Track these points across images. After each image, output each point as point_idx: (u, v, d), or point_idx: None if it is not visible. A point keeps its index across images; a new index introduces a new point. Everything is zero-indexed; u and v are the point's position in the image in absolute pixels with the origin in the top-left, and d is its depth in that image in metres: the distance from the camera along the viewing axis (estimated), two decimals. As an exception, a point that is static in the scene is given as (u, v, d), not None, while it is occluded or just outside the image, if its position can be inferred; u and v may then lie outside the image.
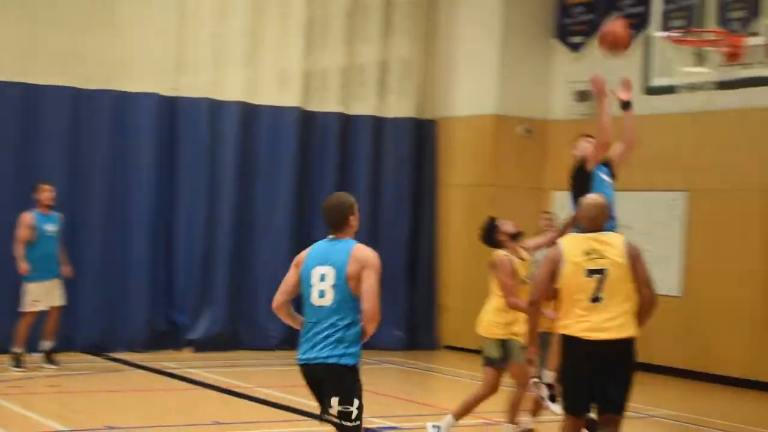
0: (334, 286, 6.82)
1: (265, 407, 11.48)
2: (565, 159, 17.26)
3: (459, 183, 17.88)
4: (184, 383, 13.18)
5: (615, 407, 7.47)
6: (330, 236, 7.03)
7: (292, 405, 11.69)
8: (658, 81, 10.57)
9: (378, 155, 17.72)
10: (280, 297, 7.21)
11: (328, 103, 17.39)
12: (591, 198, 7.64)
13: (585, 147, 9.47)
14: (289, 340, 16.58)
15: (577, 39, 17.32)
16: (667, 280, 15.29)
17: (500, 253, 9.79)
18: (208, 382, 13.16)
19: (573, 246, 7.47)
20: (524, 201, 17.47)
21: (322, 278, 6.88)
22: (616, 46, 8.95)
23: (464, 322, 17.56)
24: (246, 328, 16.45)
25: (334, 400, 6.70)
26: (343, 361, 6.73)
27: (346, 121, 17.51)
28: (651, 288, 7.41)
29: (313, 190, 17.17)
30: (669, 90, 10.49)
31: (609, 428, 7.48)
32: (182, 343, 16.11)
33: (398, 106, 17.81)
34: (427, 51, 17.98)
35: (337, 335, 6.77)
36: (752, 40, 9.82)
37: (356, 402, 6.73)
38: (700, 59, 10.29)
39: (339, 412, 6.71)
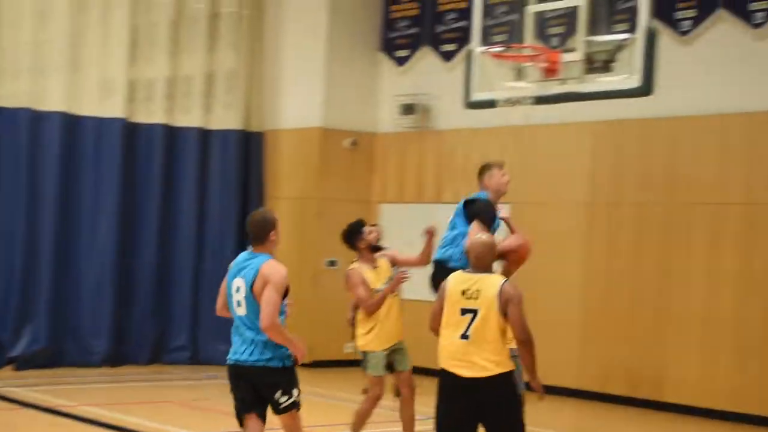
0: (245, 298, 7.58)
1: (93, 427, 11.27)
2: (391, 171, 17.58)
3: (286, 196, 17.90)
4: (5, 403, 12.83)
5: None
6: (250, 249, 7.72)
7: (120, 424, 11.52)
8: (479, 95, 10.77)
9: (204, 167, 17.59)
10: (219, 301, 7.96)
11: (153, 114, 17.18)
12: (480, 237, 7.84)
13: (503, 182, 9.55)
14: (113, 356, 16.35)
15: (402, 53, 17.56)
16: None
17: (351, 267, 10.06)
18: (31, 402, 12.85)
19: (455, 283, 7.68)
20: (351, 213, 17.49)
21: (237, 290, 7.64)
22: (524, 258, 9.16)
23: (295, 332, 17.56)
24: (69, 344, 16.12)
25: (277, 394, 7.60)
26: (271, 364, 7.59)
27: (172, 133, 17.32)
28: (523, 330, 7.52)
29: (139, 203, 16.97)
30: (490, 104, 10.70)
31: None
32: (2, 361, 15.69)
33: (225, 118, 17.71)
34: (254, 63, 17.95)
35: (258, 340, 7.57)
36: (569, 56, 10.09)
37: (295, 391, 7.68)
38: (520, 74, 10.53)
39: (281, 401, 7.63)
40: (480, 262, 7.65)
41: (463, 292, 7.57)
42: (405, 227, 17.10)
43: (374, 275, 10.06)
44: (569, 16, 10.42)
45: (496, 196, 9.47)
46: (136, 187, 17.01)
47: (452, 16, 16.87)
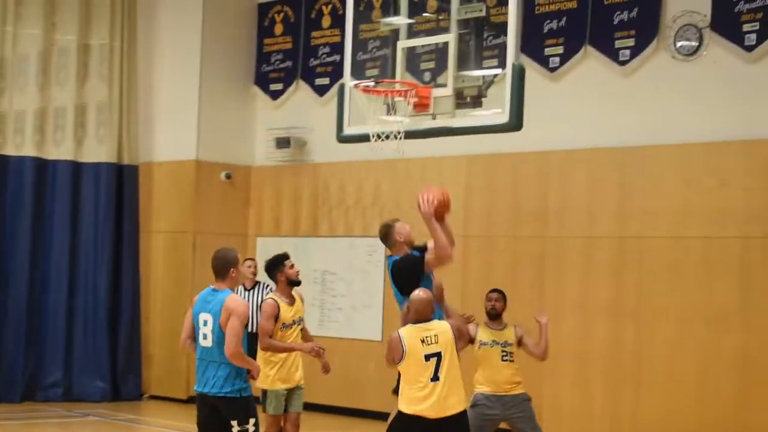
0: (212, 331, 8.26)
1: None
2: (267, 204, 17.53)
3: (161, 229, 17.73)
4: None
5: None
6: (213, 285, 8.46)
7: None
8: (351, 129, 10.77)
9: (76, 201, 17.32)
10: (183, 335, 8.66)
11: (23, 147, 16.91)
12: (419, 295, 8.43)
13: (406, 233, 9.53)
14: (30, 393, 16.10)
15: (276, 86, 17.56)
16: (369, 327, 15.70)
17: (268, 297, 10.25)
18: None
19: (411, 336, 8.28)
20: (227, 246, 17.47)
21: (205, 323, 8.33)
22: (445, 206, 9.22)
23: (169, 370, 17.39)
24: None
25: (233, 423, 8.21)
26: (231, 395, 8.24)
27: (42, 166, 17.04)
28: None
29: (8, 237, 16.66)
30: (363, 138, 10.72)
31: None
32: None
33: (97, 151, 17.48)
34: (127, 95, 17.73)
35: (221, 372, 8.25)
36: (439, 91, 10.16)
37: (252, 420, 8.30)
38: (391, 108, 10.57)
39: (237, 430, 8.23)
40: (422, 315, 8.35)
41: (422, 341, 8.23)
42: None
43: (290, 310, 10.10)
44: (439, 51, 10.50)
45: (409, 244, 9.50)
46: (6, 220, 16.69)
47: (325, 50, 16.94)
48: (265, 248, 17.39)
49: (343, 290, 16.40)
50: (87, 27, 17.42)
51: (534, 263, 14.53)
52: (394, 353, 8.30)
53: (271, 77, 17.67)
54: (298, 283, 10.27)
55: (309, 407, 14.75)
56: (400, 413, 8.32)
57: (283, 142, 17.09)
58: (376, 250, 15.71)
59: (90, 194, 17.45)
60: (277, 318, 10.01)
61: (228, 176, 17.53)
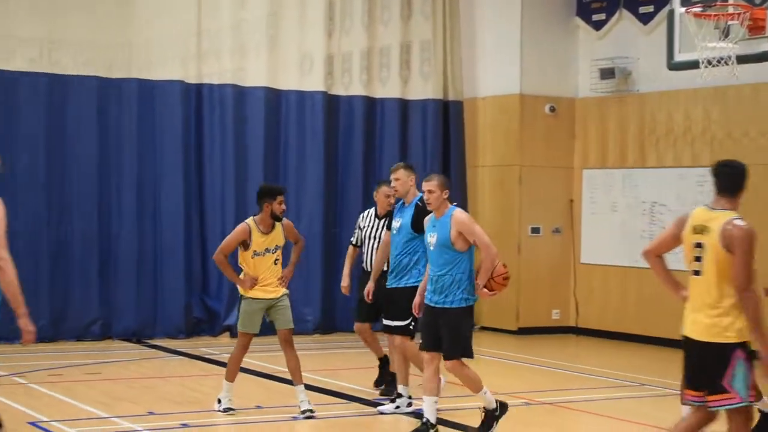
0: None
1: (306, 392, 11.62)
2: (592, 136, 17.46)
3: (487, 164, 17.98)
4: (222, 368, 13.30)
5: None
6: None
7: (330, 388, 11.85)
8: (681, 56, 10.60)
9: (404, 138, 17.82)
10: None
11: (351, 86, 17.52)
12: None
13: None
14: (322, 325, 16.80)
15: (599, 16, 17.36)
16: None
17: (246, 221, 10.57)
18: (246, 367, 13.33)
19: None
20: (552, 180, 17.58)
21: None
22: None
23: (498, 302, 17.69)
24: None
25: None
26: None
27: (371, 105, 17.62)
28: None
29: (341, 174, 17.32)
30: (692, 65, 10.53)
31: None
32: (219, 329, 16.32)
33: (423, 88, 17.89)
34: (449, 32, 18.03)
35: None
36: (775, 13, 9.86)
37: None
38: (723, 33, 10.32)
39: None
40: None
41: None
42: (608, 193, 17.08)
43: (263, 239, 10.46)
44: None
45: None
46: (338, 159, 17.36)
47: (650, -23, 16.58)
48: (591, 180, 17.38)
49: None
50: (409, -33, 17.82)
51: None
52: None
53: (593, 8, 17.49)
54: (279, 219, 10.55)
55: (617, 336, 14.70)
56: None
57: (607, 73, 16.91)
58: (706, 181, 15.34)
59: (417, 131, 17.89)
60: (246, 243, 10.43)
61: (552, 109, 17.56)
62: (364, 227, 11.79)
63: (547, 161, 17.55)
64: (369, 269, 11.46)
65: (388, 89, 17.74)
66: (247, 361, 11.94)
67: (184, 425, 10.10)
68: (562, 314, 17.50)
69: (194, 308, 16.23)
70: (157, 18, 16.10)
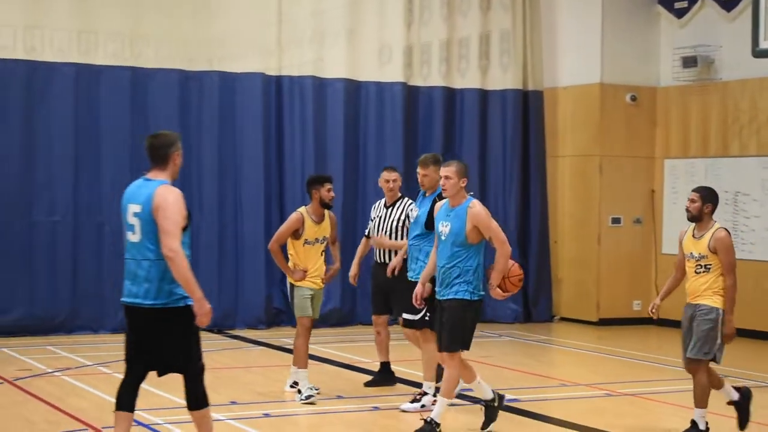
0: None
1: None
2: (674, 125, 17.26)
3: (567, 153, 17.88)
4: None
5: None
6: None
7: (410, 379, 11.86)
8: (766, 44, 10.44)
9: (484, 128, 17.78)
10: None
11: (430, 77, 17.53)
12: None
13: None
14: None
15: (681, 4, 17.16)
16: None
17: (298, 210, 10.77)
18: (325, 357, 13.40)
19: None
20: (633, 170, 17.42)
21: None
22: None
23: (579, 292, 17.61)
24: (361, 304, 16.63)
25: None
26: None
27: (451, 95, 17.61)
28: None
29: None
30: (779, 52, 10.38)
31: None
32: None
33: (502, 78, 17.84)
34: (529, 22, 17.94)
35: None
36: None
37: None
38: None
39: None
40: None
41: None
42: (690, 183, 16.86)
43: (315, 228, 10.61)
44: None
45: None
46: (417, 149, 17.34)
47: (734, -35, 16.34)
48: (673, 170, 17.20)
49: (757, 211, 15.93)
50: (488, -42, 17.77)
51: None
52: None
53: (675, -5, 17.30)
54: (329, 206, 10.64)
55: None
56: None
57: (689, 61, 16.70)
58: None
59: (497, 121, 17.84)
60: (298, 232, 10.58)
61: (633, 98, 17.39)
62: (374, 218, 11.49)
63: (628, 151, 17.40)
64: (380, 261, 11.28)
65: (467, 80, 17.72)
66: (324, 351, 11.99)
67: (266, 415, 10.17)
68: (643, 305, 17.35)
69: (274, 299, 16.34)
70: (237, 10, 16.23)
